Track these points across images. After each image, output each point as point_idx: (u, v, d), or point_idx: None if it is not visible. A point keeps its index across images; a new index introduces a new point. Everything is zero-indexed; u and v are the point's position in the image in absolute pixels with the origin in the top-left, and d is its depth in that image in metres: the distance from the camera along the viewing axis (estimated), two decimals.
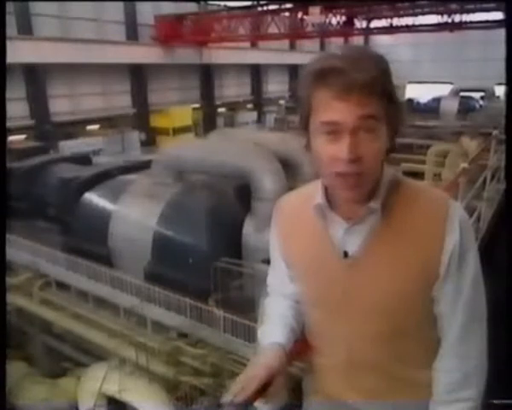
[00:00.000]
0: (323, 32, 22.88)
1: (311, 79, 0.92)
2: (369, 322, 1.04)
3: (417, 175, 13.40)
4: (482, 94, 23.48)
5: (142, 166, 10.45)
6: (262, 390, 0.98)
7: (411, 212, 1.00)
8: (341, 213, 1.03)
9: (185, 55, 23.38)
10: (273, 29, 21.46)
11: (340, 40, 35.62)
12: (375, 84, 0.88)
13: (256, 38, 24.22)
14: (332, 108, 0.89)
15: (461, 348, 1.02)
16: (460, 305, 1.00)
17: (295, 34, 23.35)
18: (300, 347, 1.19)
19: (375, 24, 26.40)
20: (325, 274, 1.08)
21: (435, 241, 0.97)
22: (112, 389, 6.64)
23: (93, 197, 9.56)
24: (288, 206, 1.19)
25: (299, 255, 1.13)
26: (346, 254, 1.04)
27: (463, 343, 1.02)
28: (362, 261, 1.02)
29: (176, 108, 23.41)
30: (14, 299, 8.60)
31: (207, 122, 25.44)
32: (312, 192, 1.07)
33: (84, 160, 12.62)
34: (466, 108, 19.97)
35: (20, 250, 9.14)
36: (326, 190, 1.04)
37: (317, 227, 1.07)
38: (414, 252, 0.98)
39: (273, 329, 1.15)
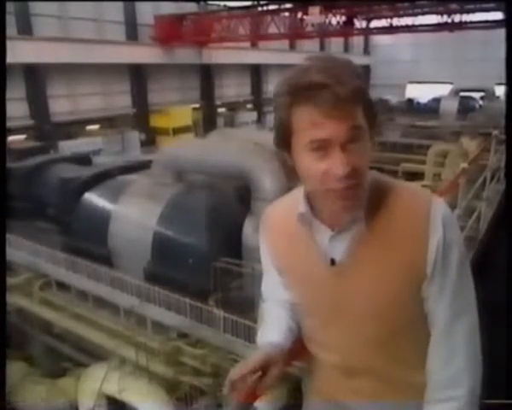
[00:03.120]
0: (323, 32, 22.89)
1: (291, 96, 0.89)
2: (361, 327, 1.04)
3: (417, 175, 13.44)
4: (482, 94, 23.50)
5: (142, 166, 10.45)
6: (259, 379, 0.97)
7: (394, 214, 0.99)
8: (325, 220, 1.02)
9: (185, 55, 23.36)
10: (273, 29, 21.45)
11: (340, 40, 35.75)
12: (359, 95, 0.88)
13: (256, 38, 24.19)
14: (321, 126, 0.87)
15: (445, 345, 1.01)
16: (444, 301, 0.99)
17: (295, 34, 23.34)
18: (299, 347, 1.19)
19: (375, 24, 26.38)
20: (314, 282, 1.07)
21: (420, 242, 0.96)
22: (112, 389, 6.65)
23: (93, 197, 9.56)
24: (274, 215, 1.18)
25: (289, 264, 1.13)
26: (333, 262, 1.03)
27: (448, 340, 1.01)
28: (349, 268, 1.02)
29: (176, 108, 23.39)
30: (14, 299, 8.61)
31: (207, 122, 25.41)
32: (296, 200, 1.06)
33: (84, 160, 12.62)
34: (466, 108, 19.98)
35: (20, 250, 9.14)
36: (308, 197, 1.03)
37: (304, 236, 1.06)
38: (399, 255, 0.98)
39: (271, 330, 1.15)
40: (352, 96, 0.86)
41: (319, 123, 0.87)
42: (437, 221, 0.96)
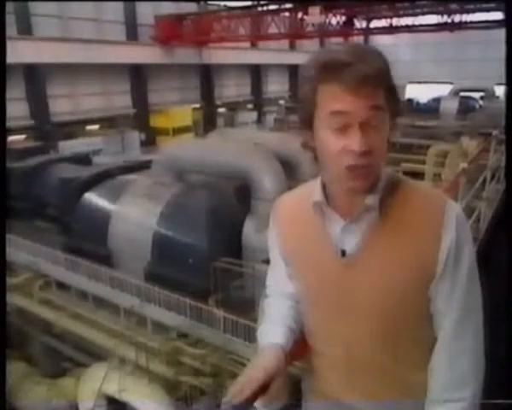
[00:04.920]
0: (323, 32, 22.86)
1: (317, 72, 0.92)
2: (367, 321, 1.04)
3: (417, 175, 13.41)
4: (482, 94, 23.47)
5: (142, 166, 10.47)
6: (261, 392, 0.98)
7: (409, 210, 1.00)
8: (339, 210, 1.03)
9: (185, 55, 23.38)
10: (273, 29, 21.45)
11: (339, 40, 35.75)
12: (382, 77, 0.91)
13: (256, 38, 24.20)
14: (343, 100, 0.89)
15: (453, 345, 1.01)
16: (453, 302, 1.00)
17: (295, 34, 23.33)
18: (300, 347, 1.19)
19: (374, 24, 26.36)
20: (323, 272, 1.08)
21: (432, 240, 0.97)
22: (112, 389, 6.65)
23: (93, 197, 9.56)
24: (286, 205, 1.20)
25: (298, 253, 1.13)
26: (343, 253, 1.04)
27: (456, 341, 1.01)
28: (359, 260, 1.02)
29: (176, 108, 23.41)
30: (14, 299, 8.61)
31: (207, 122, 25.43)
32: (310, 191, 1.08)
33: (84, 160, 12.63)
34: (466, 108, 19.92)
35: (20, 250, 9.14)
36: (324, 187, 1.05)
37: (316, 225, 1.07)
38: (411, 250, 0.98)
39: (272, 329, 1.15)
40: (374, 75, 0.89)
41: (342, 98, 0.90)
42: (451, 221, 0.97)
